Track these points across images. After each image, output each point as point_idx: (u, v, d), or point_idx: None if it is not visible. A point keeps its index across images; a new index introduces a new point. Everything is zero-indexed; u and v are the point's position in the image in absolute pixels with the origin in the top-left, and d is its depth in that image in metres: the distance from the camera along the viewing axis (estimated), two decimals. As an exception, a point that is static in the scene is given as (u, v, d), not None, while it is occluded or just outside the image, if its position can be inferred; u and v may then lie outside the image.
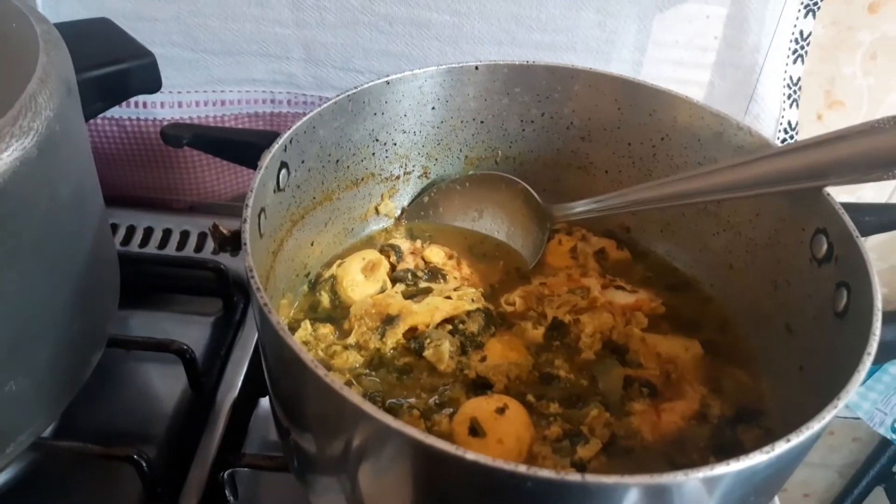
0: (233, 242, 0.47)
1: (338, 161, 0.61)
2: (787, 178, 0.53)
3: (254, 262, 0.43)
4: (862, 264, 0.47)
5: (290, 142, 0.54)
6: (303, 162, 0.57)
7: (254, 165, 0.51)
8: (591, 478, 0.34)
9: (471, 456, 0.34)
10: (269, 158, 0.50)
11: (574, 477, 0.34)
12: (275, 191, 0.53)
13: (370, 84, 0.59)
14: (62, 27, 0.55)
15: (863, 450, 1.26)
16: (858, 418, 1.12)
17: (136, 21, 0.77)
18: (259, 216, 0.49)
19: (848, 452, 1.27)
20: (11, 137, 0.44)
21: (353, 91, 0.58)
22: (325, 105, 0.57)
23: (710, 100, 0.80)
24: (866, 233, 0.52)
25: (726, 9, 0.76)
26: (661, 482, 0.34)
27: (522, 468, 0.33)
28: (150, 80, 0.64)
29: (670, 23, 0.77)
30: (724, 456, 0.51)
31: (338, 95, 0.58)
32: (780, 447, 0.36)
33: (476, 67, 0.63)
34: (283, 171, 0.54)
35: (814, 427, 0.38)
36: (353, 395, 0.36)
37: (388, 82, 0.60)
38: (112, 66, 0.61)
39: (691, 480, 0.35)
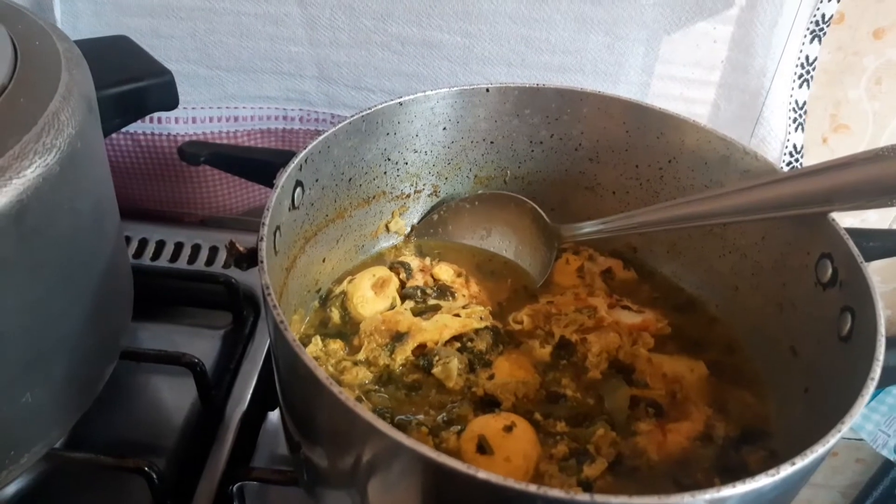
0: (248, 259, 0.48)
1: (350, 179, 0.62)
2: (792, 204, 0.54)
3: (269, 280, 0.44)
4: (866, 290, 0.48)
5: (306, 161, 0.55)
6: (317, 181, 0.58)
7: (269, 183, 0.52)
8: (599, 498, 0.34)
9: (482, 475, 0.34)
10: (285, 177, 0.52)
11: (583, 497, 0.34)
12: (289, 209, 0.54)
13: (383, 105, 0.60)
14: (82, 45, 0.56)
15: (866, 471, 1.26)
16: (862, 440, 1.12)
17: (153, 38, 0.79)
18: (274, 234, 0.50)
19: (851, 473, 1.27)
20: (35, 154, 0.45)
21: (367, 112, 0.60)
22: (340, 125, 0.58)
23: (716, 122, 0.81)
24: (870, 258, 0.53)
25: (732, 30, 0.77)
26: (668, 503, 0.35)
27: (533, 487, 0.34)
28: (167, 98, 0.65)
29: (677, 46, 0.78)
30: (728, 477, 0.52)
31: (352, 116, 0.59)
32: (785, 470, 0.37)
33: (487, 90, 0.64)
34: (298, 190, 0.55)
35: (818, 450, 0.38)
36: (367, 413, 0.37)
37: (400, 103, 0.62)
38: (131, 84, 0.62)
39: (698, 502, 0.35)
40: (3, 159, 0.43)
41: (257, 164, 0.68)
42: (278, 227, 0.52)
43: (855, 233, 0.52)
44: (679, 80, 0.81)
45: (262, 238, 0.46)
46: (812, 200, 0.53)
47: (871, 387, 0.42)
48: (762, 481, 0.36)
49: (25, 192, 0.43)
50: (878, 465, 1.24)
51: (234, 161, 0.70)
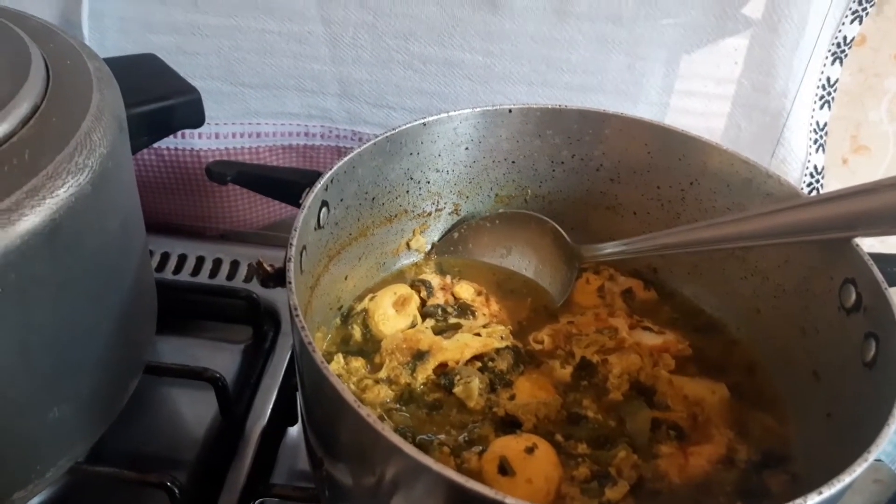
0: (276, 279, 0.49)
1: (374, 199, 0.63)
2: (815, 229, 0.54)
3: (297, 300, 0.45)
4: (891, 316, 0.47)
5: (331, 181, 0.55)
6: (341, 200, 0.58)
7: (293, 202, 0.52)
8: (626, 524, 0.35)
9: (510, 501, 0.34)
10: (311, 197, 0.52)
11: (610, 523, 0.35)
12: (315, 228, 0.55)
13: (407, 126, 0.61)
14: (111, 63, 0.57)
15: (884, 492, 1.25)
16: (880, 460, 1.11)
17: (178, 55, 0.80)
18: (301, 254, 0.51)
19: (869, 495, 1.25)
20: (67, 174, 0.45)
21: (392, 132, 0.60)
22: (365, 146, 0.58)
23: (737, 143, 0.81)
24: (894, 283, 0.53)
25: (754, 51, 0.77)
26: (694, 531, 0.35)
27: (560, 513, 0.34)
28: (194, 116, 0.66)
29: (698, 66, 0.79)
30: (750, 501, 0.52)
31: (377, 136, 0.59)
32: (812, 499, 0.37)
33: (509, 110, 0.65)
34: (324, 210, 0.55)
35: (845, 480, 0.38)
36: (393, 435, 0.37)
37: (424, 124, 0.62)
38: (159, 102, 0.63)
39: (724, 530, 0.35)
40: (37, 179, 0.43)
41: (283, 183, 0.69)
42: (304, 247, 0.52)
43: (879, 258, 0.52)
44: (699, 96, 0.81)
45: (289, 259, 0.47)
46: (835, 226, 0.53)
47: (898, 415, 0.42)
48: (788, 510, 0.36)
49: (58, 212, 0.44)
50: (896, 486, 1.22)
51: (260, 180, 0.71)
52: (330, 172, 0.55)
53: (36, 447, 0.51)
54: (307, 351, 0.42)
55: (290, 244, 0.48)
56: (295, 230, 0.49)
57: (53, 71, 0.52)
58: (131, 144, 0.58)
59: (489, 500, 0.35)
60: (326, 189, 0.55)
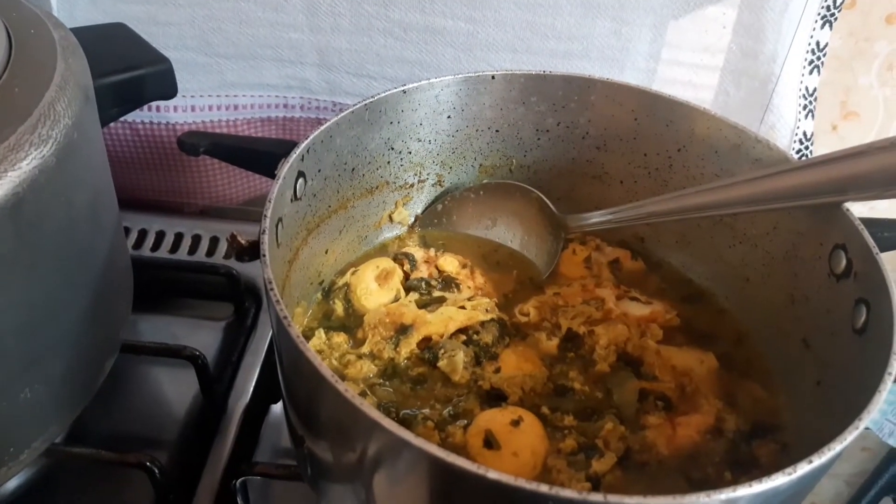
0: (250, 252, 0.47)
1: (353, 169, 0.61)
2: (805, 193, 0.53)
3: (272, 273, 0.43)
4: (882, 281, 0.47)
5: (308, 151, 0.54)
6: (319, 171, 0.57)
7: (270, 174, 0.51)
8: (613, 498, 0.33)
9: (492, 475, 0.33)
10: (286, 168, 0.50)
11: (596, 497, 0.34)
12: (291, 200, 0.53)
13: (387, 93, 0.59)
14: (78, 32, 0.55)
15: (872, 459, 1.25)
16: (868, 428, 1.12)
17: (151, 25, 0.77)
18: (277, 226, 0.49)
19: (857, 462, 1.26)
20: (30, 146, 0.44)
21: (370, 100, 0.58)
22: (342, 114, 0.56)
23: (725, 109, 0.80)
24: (884, 248, 0.52)
25: (742, 15, 0.75)
26: (683, 503, 0.34)
27: (545, 488, 0.33)
28: (166, 87, 0.64)
29: (686, 32, 0.77)
30: (739, 471, 0.51)
31: (355, 104, 0.57)
32: (803, 468, 0.36)
33: (492, 77, 0.63)
34: (301, 181, 0.54)
35: (835, 448, 0.37)
36: (373, 411, 0.36)
37: (404, 91, 0.60)
38: (128, 73, 0.61)
39: (713, 502, 0.34)
40: (-2, 151, 0.42)
41: (258, 154, 0.67)
42: (280, 219, 0.50)
43: (868, 223, 0.51)
44: (687, 65, 0.80)
45: (264, 231, 0.45)
46: (826, 190, 0.52)
47: (889, 382, 0.41)
48: (779, 480, 0.35)
49: (21, 185, 0.42)
50: (883, 453, 1.23)
51: (235, 151, 0.69)
52: (306, 142, 0.53)
53: (8, 430, 0.50)
54: (283, 326, 0.41)
55: (265, 216, 0.46)
56: (269, 202, 0.47)
57: (16, 41, 0.50)
58: (101, 116, 0.56)
59: (471, 475, 0.34)
60: (303, 159, 0.53)
